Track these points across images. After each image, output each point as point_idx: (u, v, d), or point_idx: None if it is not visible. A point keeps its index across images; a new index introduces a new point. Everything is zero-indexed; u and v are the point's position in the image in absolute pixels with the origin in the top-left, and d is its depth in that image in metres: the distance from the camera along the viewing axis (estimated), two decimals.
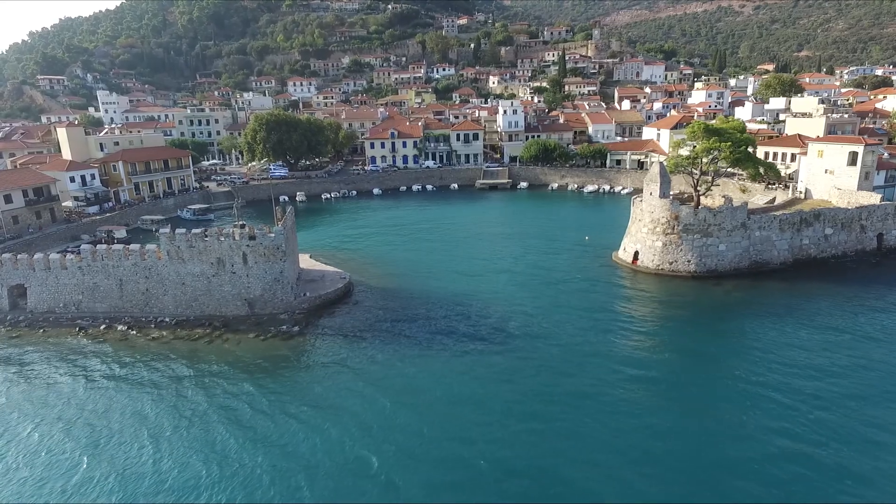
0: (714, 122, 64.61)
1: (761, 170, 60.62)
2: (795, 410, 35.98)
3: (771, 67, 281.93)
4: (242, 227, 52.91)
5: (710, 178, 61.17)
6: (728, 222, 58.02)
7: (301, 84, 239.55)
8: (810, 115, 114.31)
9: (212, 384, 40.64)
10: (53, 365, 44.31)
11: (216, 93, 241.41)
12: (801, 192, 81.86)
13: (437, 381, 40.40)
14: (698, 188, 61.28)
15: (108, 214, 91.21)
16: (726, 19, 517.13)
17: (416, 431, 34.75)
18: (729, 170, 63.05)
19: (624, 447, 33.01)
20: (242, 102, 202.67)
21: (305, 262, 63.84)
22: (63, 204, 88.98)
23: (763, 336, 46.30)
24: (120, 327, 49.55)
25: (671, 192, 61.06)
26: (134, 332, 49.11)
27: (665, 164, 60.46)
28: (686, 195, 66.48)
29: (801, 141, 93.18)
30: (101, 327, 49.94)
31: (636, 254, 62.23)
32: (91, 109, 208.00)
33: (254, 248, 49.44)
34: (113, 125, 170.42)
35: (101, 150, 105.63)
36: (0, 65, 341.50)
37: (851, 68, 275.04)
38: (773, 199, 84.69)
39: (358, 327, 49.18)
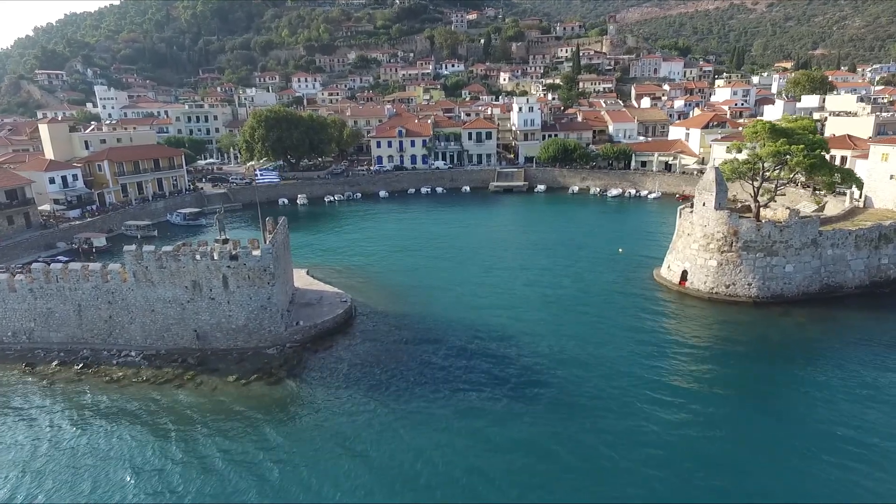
0: (779, 120, 55.79)
1: (838, 177, 51.93)
2: None
3: (788, 65, 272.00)
4: (225, 242, 44.72)
5: (773, 187, 52.44)
6: (797, 239, 49.28)
7: (305, 80, 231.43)
8: (854, 114, 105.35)
9: (174, 449, 32.36)
10: None
11: (219, 89, 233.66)
12: (857, 200, 72.96)
13: (461, 447, 31.96)
14: (758, 198, 52.52)
15: (89, 219, 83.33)
16: (739, 17, 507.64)
17: None
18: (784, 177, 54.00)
19: None
20: (245, 99, 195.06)
21: (301, 279, 55.58)
22: (40, 208, 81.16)
23: (852, 385, 37.62)
24: (75, 365, 41.34)
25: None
26: (91, 370, 40.91)
27: (721, 169, 51.70)
28: (740, 205, 57.79)
29: (851, 142, 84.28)
30: (54, 363, 41.75)
31: (684, 273, 53.58)
32: (89, 105, 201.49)
33: (236, 270, 41.17)
34: (111, 121, 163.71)
35: (87, 148, 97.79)
36: (3, 60, 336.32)
37: (875, 66, 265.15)
38: (822, 206, 75.82)
39: (360, 369, 40.70)
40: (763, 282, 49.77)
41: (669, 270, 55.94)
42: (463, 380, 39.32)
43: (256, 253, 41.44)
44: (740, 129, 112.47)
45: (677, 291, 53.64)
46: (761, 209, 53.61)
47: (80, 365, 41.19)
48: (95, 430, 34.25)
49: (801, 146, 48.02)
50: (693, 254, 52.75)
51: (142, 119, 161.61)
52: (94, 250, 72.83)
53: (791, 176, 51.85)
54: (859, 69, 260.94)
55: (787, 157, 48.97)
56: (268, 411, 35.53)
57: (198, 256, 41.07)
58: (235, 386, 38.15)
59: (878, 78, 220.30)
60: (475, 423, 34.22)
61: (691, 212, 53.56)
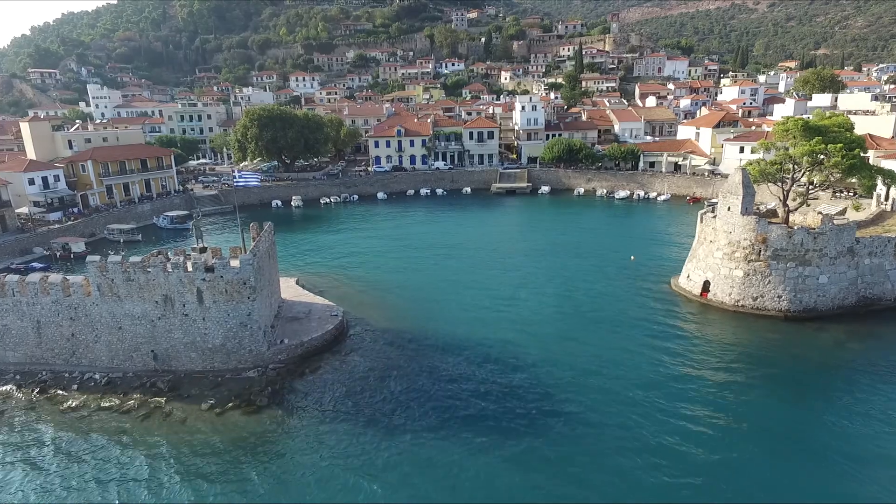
0: (811, 117, 51.45)
1: (878, 180, 47.54)
2: None
3: (793, 65, 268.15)
4: (203, 250, 40.34)
5: (804, 190, 48.08)
6: (832, 247, 44.91)
7: (303, 79, 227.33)
8: (872, 113, 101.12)
9: (135, 492, 28.02)
10: None
11: (215, 88, 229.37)
12: (884, 203, 68.67)
13: (474, 486, 27.71)
14: (787, 203, 48.15)
15: (70, 222, 78.94)
16: (740, 17, 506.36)
17: None
18: (813, 179, 49.73)
19: None
20: (241, 98, 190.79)
21: (290, 290, 51.16)
22: (17, 210, 76.80)
23: None
24: (26, 389, 36.82)
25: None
26: (48, 395, 36.42)
27: (748, 171, 47.30)
28: (764, 210, 53.42)
29: (874, 142, 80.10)
30: (8, 387, 37.26)
31: (706, 284, 49.19)
32: (82, 104, 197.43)
33: (212, 284, 36.74)
34: (103, 120, 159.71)
35: (71, 147, 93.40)
36: None
37: (881, 65, 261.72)
38: (843, 210, 71.52)
39: (351, 394, 36.22)
40: (794, 294, 45.37)
41: (689, 280, 51.56)
42: (470, 404, 35.14)
43: (235, 263, 37.04)
44: (753, 128, 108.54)
45: (698, 303, 49.26)
46: (789, 214, 49.26)
47: (37, 390, 36.72)
48: (43, 470, 29.81)
49: (839, 145, 43.63)
50: (716, 263, 48.36)
51: (134, 118, 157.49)
52: (72, 256, 68.60)
53: (825, 178, 47.43)
54: (864, 68, 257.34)
55: (823, 157, 44.61)
56: (245, 446, 31.04)
57: (169, 268, 36.68)
58: (209, 415, 33.66)
59: (885, 77, 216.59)
60: (487, 456, 30.12)
61: (714, 217, 49.18)
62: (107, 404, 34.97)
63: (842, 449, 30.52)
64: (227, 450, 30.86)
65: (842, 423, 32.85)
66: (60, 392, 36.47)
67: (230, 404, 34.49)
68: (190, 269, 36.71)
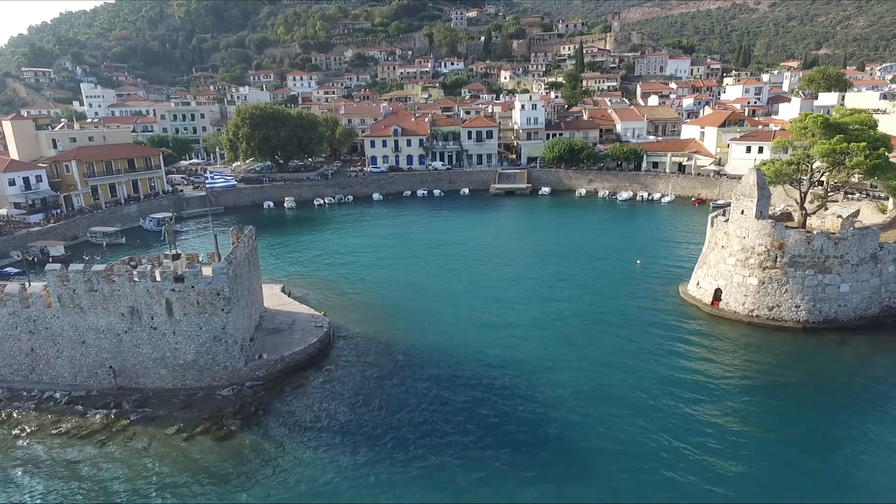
0: (832, 114, 48.44)
1: None
2: None
3: (795, 64, 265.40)
4: (175, 257, 37.28)
5: (823, 192, 45.06)
6: (854, 253, 41.83)
7: (301, 78, 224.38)
8: (884, 111, 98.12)
9: None
10: None
11: (212, 87, 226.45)
12: None
13: None
14: (804, 206, 45.10)
15: (51, 224, 75.86)
16: (741, 17, 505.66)
17: None
18: (830, 180, 46.77)
19: None
20: (238, 97, 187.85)
21: (274, 297, 47.98)
22: None
23: None
24: None
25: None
26: (0, 415, 33.34)
27: (763, 172, 44.20)
28: (778, 213, 50.36)
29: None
30: None
31: (717, 292, 46.09)
32: (76, 104, 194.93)
33: (182, 295, 33.65)
34: (96, 119, 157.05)
35: (55, 147, 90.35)
36: None
37: (885, 65, 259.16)
38: (857, 212, 68.51)
39: (335, 415, 33.02)
40: (814, 304, 42.29)
41: (699, 288, 48.45)
42: (468, 420, 32.50)
43: (207, 272, 33.93)
44: (759, 127, 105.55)
45: (709, 313, 46.16)
46: (806, 218, 46.18)
47: None
48: None
49: (863, 144, 40.60)
50: (728, 269, 45.28)
51: (127, 118, 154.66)
52: (50, 261, 65.49)
53: (845, 179, 44.39)
54: (868, 68, 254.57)
55: (845, 157, 41.57)
56: (212, 476, 27.87)
57: (136, 277, 33.58)
58: (175, 440, 30.49)
59: (889, 76, 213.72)
60: (492, 478, 27.11)
61: (726, 220, 46.10)
62: (64, 427, 31.74)
63: (869, 463, 28.14)
64: (191, 480, 27.74)
65: (867, 440, 30.11)
66: (15, 413, 33.33)
67: (199, 428, 31.25)
68: (158, 278, 33.60)
